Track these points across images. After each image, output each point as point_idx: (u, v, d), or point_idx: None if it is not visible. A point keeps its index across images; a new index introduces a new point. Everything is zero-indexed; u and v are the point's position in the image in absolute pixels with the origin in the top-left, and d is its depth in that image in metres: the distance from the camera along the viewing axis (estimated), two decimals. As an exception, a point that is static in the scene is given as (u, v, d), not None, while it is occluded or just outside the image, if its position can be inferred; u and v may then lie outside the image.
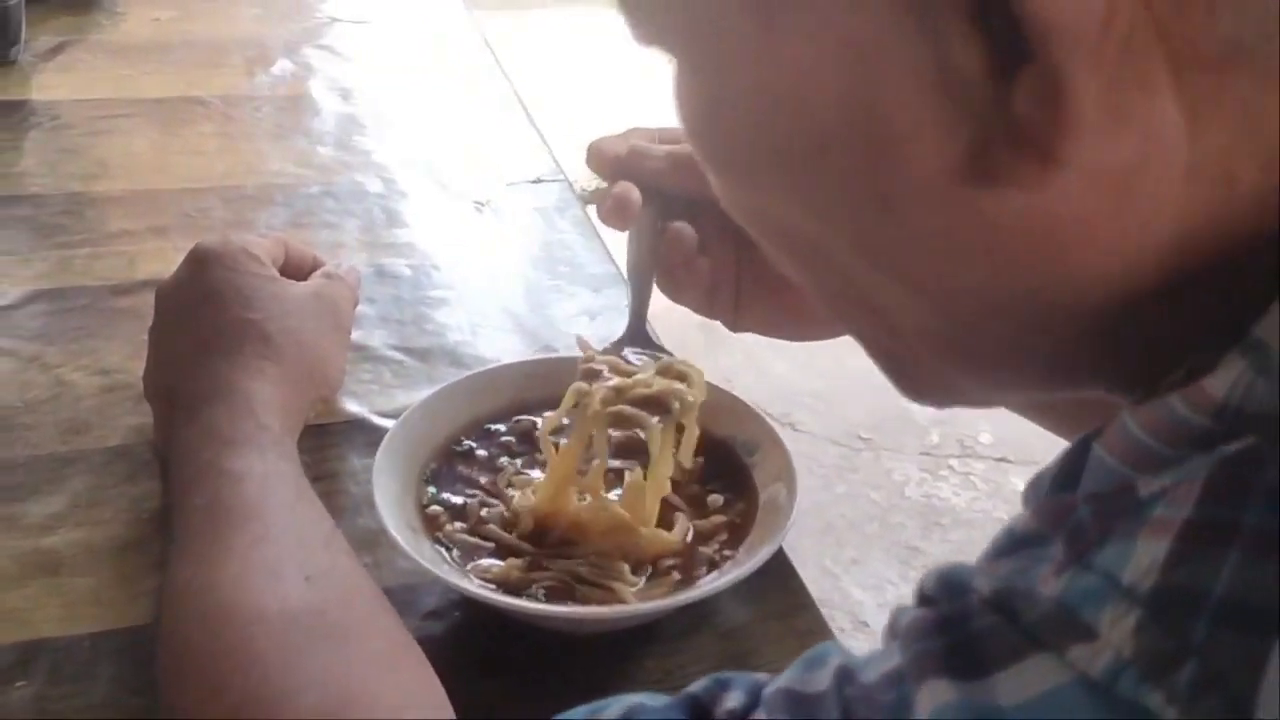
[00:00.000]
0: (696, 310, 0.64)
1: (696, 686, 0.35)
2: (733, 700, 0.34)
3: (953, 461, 2.25)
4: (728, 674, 0.36)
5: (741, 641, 0.61)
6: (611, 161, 0.63)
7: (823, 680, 0.31)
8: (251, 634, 0.48)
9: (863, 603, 1.90)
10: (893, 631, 0.31)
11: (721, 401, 0.67)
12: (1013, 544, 0.29)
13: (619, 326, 0.80)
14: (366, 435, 0.72)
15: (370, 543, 0.63)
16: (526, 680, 0.58)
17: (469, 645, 0.59)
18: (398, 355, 0.80)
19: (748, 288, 0.62)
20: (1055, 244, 0.29)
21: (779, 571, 0.63)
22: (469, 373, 0.71)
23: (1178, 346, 0.30)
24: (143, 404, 0.70)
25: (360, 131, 1.09)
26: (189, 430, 0.60)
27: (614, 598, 0.56)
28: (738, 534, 0.61)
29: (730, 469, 0.65)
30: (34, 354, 0.77)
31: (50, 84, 1.13)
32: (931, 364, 0.37)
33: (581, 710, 0.38)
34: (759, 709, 0.33)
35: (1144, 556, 0.26)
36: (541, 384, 0.69)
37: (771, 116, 0.31)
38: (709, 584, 0.56)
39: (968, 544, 2.08)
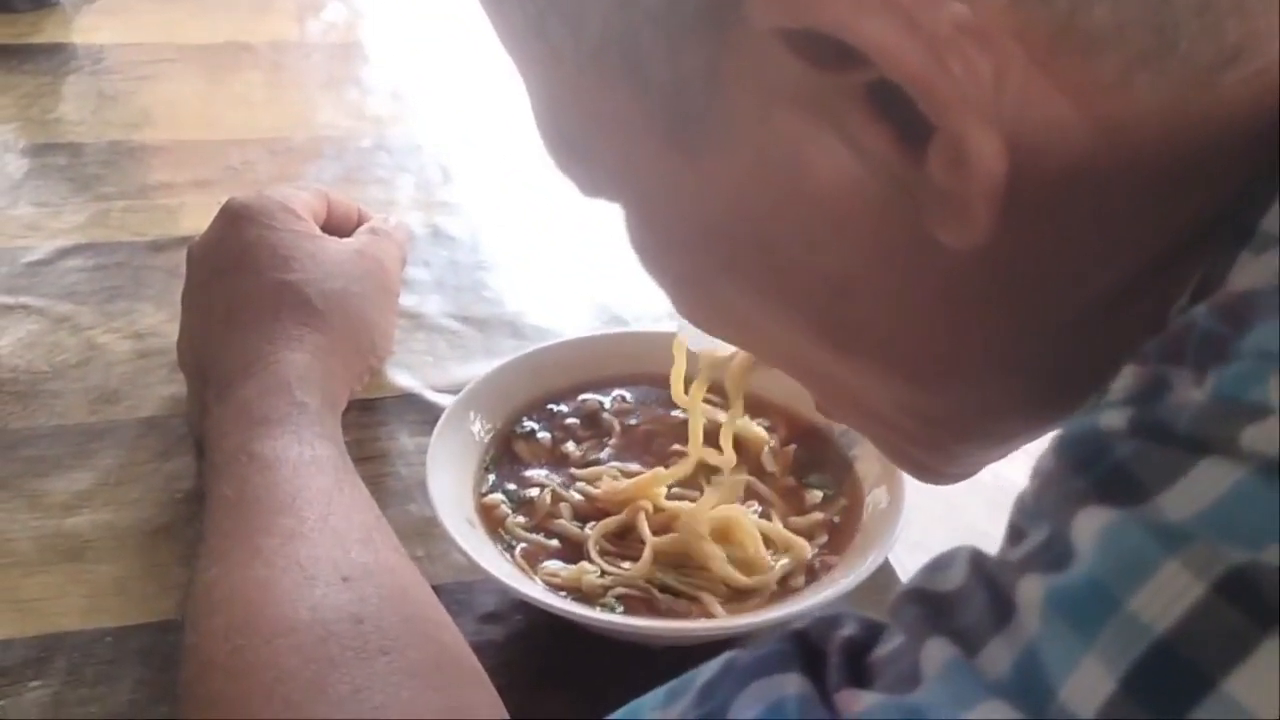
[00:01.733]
0: None
1: (802, 624, 0.31)
2: (848, 629, 0.30)
3: (1018, 441, 2.17)
4: (838, 611, 0.31)
5: (836, 657, 0.54)
6: None
7: (956, 576, 0.27)
8: (277, 648, 0.42)
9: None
10: (1013, 529, 0.27)
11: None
12: (1131, 394, 0.26)
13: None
14: (419, 412, 0.66)
15: (422, 533, 0.57)
16: (594, 694, 0.52)
17: (532, 653, 0.53)
18: (454, 324, 0.74)
19: None
20: (1015, 275, 0.31)
21: (878, 577, 0.56)
22: (533, 347, 0.64)
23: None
24: (179, 372, 0.65)
25: (416, 82, 1.03)
26: (219, 410, 0.54)
27: (701, 610, 0.50)
28: (839, 537, 0.54)
29: (829, 460, 0.58)
30: (65, 314, 0.72)
31: (93, 27, 1.07)
32: (931, 441, 0.38)
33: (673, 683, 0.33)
34: (885, 630, 0.29)
35: None
36: (610, 361, 0.63)
37: (715, 234, 0.33)
38: (810, 599, 0.50)
39: (1033, 527, 2.00)
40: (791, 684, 0.28)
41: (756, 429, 0.59)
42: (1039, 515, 0.26)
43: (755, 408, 0.61)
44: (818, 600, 0.49)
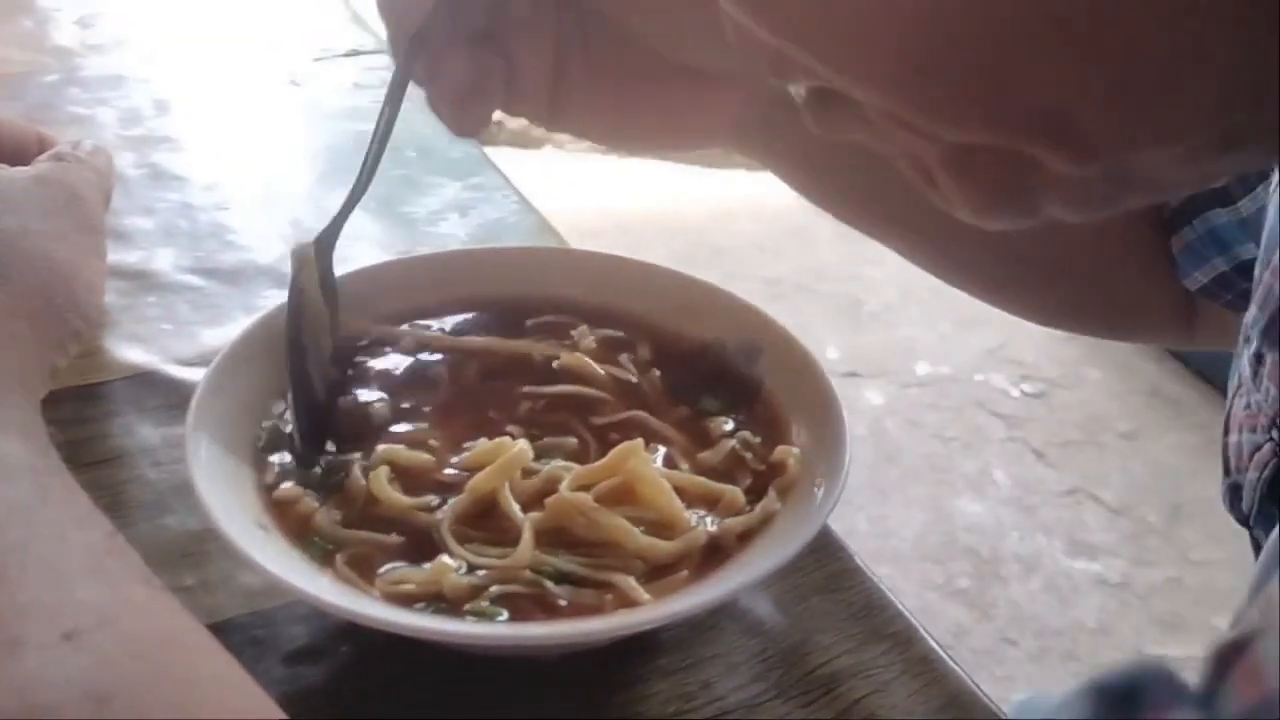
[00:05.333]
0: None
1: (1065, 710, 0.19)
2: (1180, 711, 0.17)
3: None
4: (1117, 676, 0.18)
5: (780, 636, 0.41)
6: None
7: None
8: None
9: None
10: None
11: (694, 295, 0.47)
12: None
13: (499, 219, 0.64)
14: (162, 394, 0.50)
15: (189, 553, 0.42)
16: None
17: (375, 696, 0.38)
18: (195, 280, 0.58)
19: (574, 79, 0.47)
20: None
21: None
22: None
23: None
24: None
25: (106, 5, 0.84)
26: None
27: (619, 598, 0.35)
28: (764, 475, 0.40)
29: (728, 380, 0.45)
30: None
31: None
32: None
33: None
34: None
35: None
36: (405, 293, 0.48)
37: None
38: (758, 563, 0.35)
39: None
40: None
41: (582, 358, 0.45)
42: None
43: (599, 319, 0.47)
44: (768, 565, 0.35)
